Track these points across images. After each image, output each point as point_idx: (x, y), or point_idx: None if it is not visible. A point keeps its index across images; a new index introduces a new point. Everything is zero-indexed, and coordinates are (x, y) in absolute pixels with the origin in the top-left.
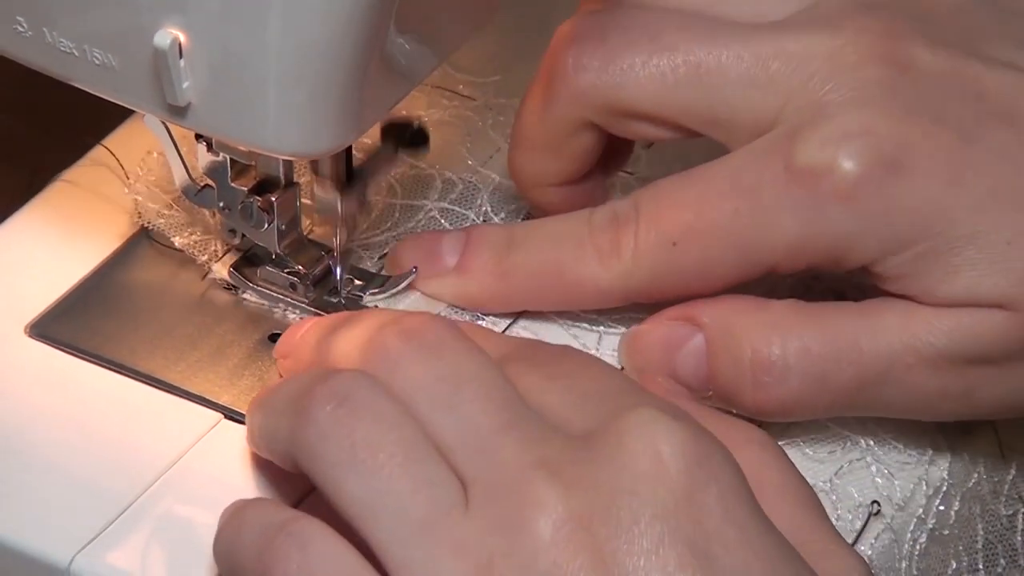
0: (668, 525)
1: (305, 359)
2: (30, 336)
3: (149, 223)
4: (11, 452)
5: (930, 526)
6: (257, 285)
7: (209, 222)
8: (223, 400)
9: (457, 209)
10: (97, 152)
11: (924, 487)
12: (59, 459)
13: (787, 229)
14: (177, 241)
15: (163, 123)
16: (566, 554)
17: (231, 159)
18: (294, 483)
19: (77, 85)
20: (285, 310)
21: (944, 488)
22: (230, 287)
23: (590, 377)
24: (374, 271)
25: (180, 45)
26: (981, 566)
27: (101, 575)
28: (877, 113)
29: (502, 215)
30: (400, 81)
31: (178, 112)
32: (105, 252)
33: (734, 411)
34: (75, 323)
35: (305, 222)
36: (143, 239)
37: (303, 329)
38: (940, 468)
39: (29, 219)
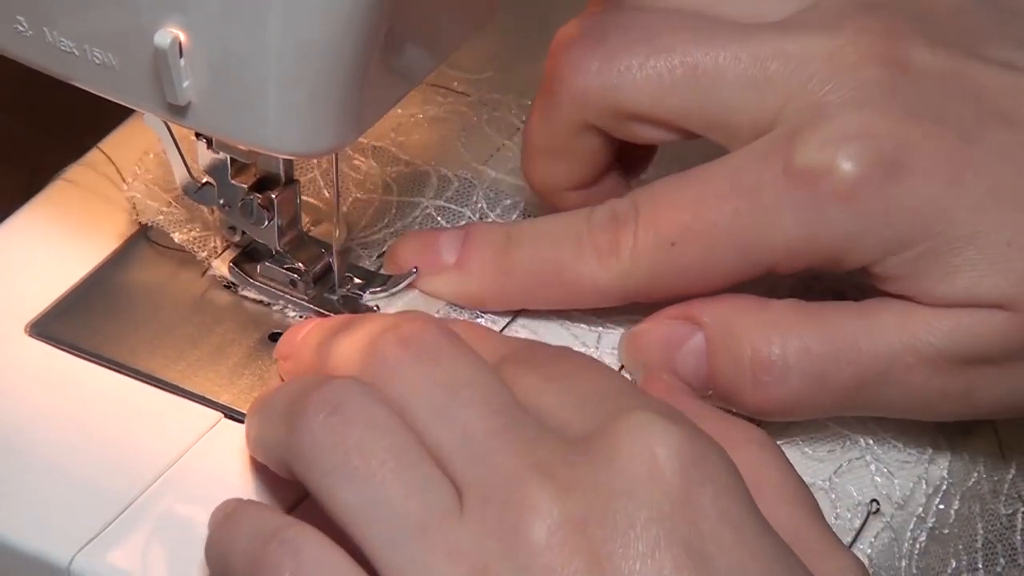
0: (664, 528)
1: (306, 362)
2: (30, 335)
3: (149, 220)
4: (11, 451)
5: (930, 525)
6: (257, 282)
7: (208, 219)
8: (223, 399)
9: (453, 207)
10: (97, 152)
11: (924, 486)
12: (59, 458)
13: (786, 230)
14: (177, 237)
15: (163, 122)
16: (561, 558)
17: (231, 157)
18: (294, 483)
19: (77, 84)
20: (284, 308)
21: (944, 487)
22: (230, 284)
23: (588, 379)
24: (374, 270)
25: (180, 44)
26: (980, 565)
27: (101, 574)
28: (876, 114)
29: (497, 211)
30: (400, 81)
31: (178, 111)
32: (105, 251)
33: (734, 410)
34: (75, 322)
35: (304, 219)
36: (143, 239)
37: (304, 331)
38: (940, 467)
39: (29, 218)
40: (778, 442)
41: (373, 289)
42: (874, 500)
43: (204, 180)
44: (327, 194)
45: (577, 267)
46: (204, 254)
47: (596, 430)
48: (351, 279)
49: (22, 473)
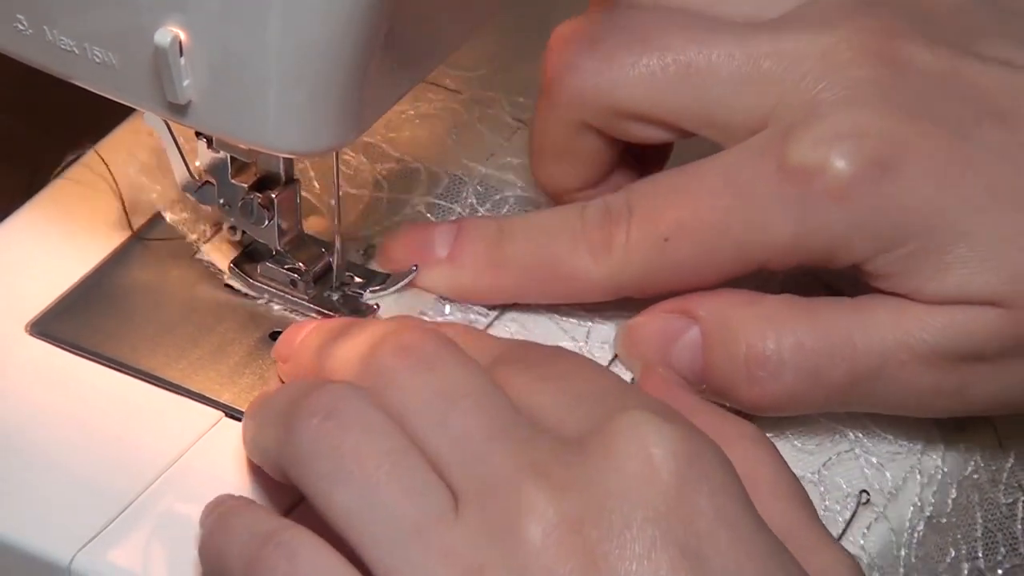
0: (660, 528)
1: (305, 365)
2: (31, 334)
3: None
4: (12, 450)
5: (928, 514)
6: (257, 281)
7: (200, 207)
8: (224, 398)
9: (443, 203)
10: (97, 151)
11: (918, 476)
12: (60, 457)
13: (779, 228)
14: (168, 216)
15: (163, 121)
16: (557, 559)
17: (231, 156)
18: (293, 484)
19: (77, 83)
20: (285, 308)
21: (940, 476)
22: (217, 270)
23: (582, 378)
24: (375, 269)
25: (180, 43)
26: (980, 554)
27: (102, 573)
28: (870, 112)
29: (487, 206)
30: (400, 80)
31: (178, 110)
32: (106, 250)
33: (728, 405)
34: (76, 321)
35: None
36: (144, 237)
37: (302, 333)
38: (934, 458)
39: (30, 218)
40: (768, 435)
41: (373, 288)
42: (864, 491)
43: (204, 180)
44: (317, 186)
45: (570, 262)
46: (194, 236)
47: (591, 430)
48: (351, 278)
49: (23, 472)
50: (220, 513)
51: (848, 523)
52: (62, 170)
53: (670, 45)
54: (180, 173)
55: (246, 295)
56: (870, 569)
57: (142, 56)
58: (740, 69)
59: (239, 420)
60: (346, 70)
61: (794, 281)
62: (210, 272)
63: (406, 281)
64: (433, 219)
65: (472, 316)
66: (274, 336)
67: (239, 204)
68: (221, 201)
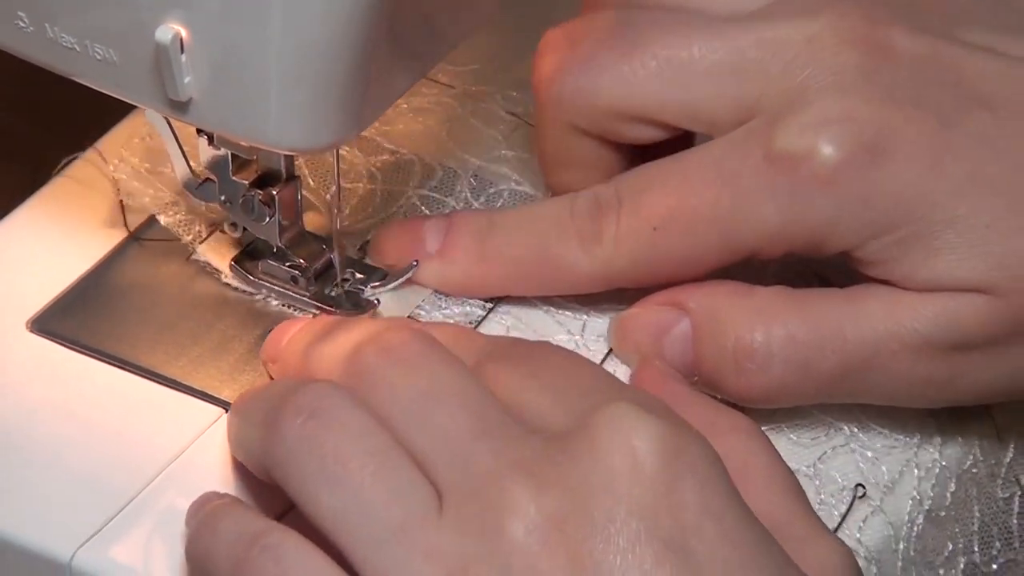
0: (644, 522)
1: (291, 366)
2: (32, 331)
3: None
4: (13, 447)
5: (927, 508)
6: (258, 279)
7: (193, 203)
8: (224, 395)
9: (437, 196)
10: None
11: (916, 470)
12: (60, 454)
13: (768, 215)
14: (162, 219)
15: (164, 118)
16: (541, 556)
17: (232, 153)
18: None
19: (78, 80)
20: (285, 304)
21: (937, 470)
22: (214, 270)
23: (569, 374)
24: (375, 265)
25: (181, 40)
26: (976, 548)
27: (103, 570)
28: (856, 98)
29: (482, 200)
30: (400, 77)
31: (179, 107)
32: (107, 248)
33: (719, 397)
34: (77, 318)
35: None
36: (144, 235)
37: (289, 334)
38: (931, 451)
39: (31, 215)
40: (763, 428)
41: (374, 284)
42: (859, 485)
43: (205, 177)
44: (312, 182)
45: (560, 253)
46: (189, 238)
47: (576, 426)
48: (352, 274)
49: (23, 469)
50: (206, 513)
51: (844, 517)
52: (61, 169)
53: (652, 42)
54: (181, 170)
55: (247, 292)
56: (867, 563)
57: (143, 53)
58: (724, 61)
59: None
60: (347, 67)
61: (787, 273)
62: (223, 279)
63: (406, 276)
64: (427, 212)
65: (467, 309)
66: None
67: (240, 201)
68: (222, 198)
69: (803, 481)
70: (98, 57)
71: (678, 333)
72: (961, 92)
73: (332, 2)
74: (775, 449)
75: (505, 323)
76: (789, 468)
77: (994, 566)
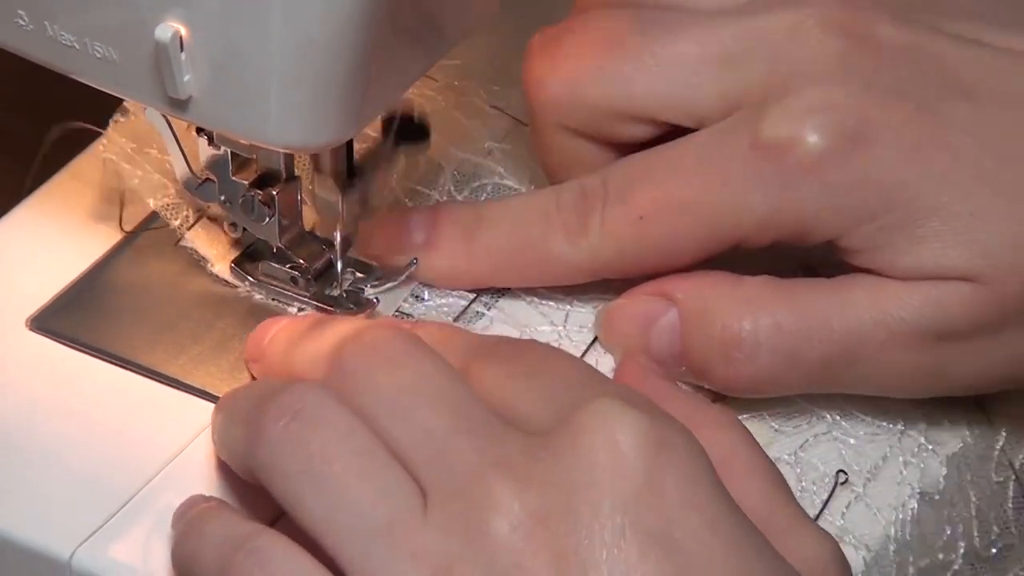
0: (628, 515)
1: (273, 366)
2: (31, 330)
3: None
4: (12, 446)
5: (918, 491)
6: (258, 280)
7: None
8: (224, 394)
9: (421, 189)
10: (97, 147)
11: (900, 455)
12: (60, 453)
13: (753, 203)
14: (151, 203)
15: (164, 116)
16: (526, 553)
17: (232, 152)
18: None
19: (78, 78)
20: (285, 304)
21: (925, 454)
22: (200, 257)
23: (553, 371)
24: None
25: (181, 39)
26: (976, 533)
27: (102, 569)
28: (840, 87)
29: (465, 193)
30: (400, 76)
31: (179, 105)
32: (106, 246)
33: (706, 387)
34: (76, 317)
35: (306, 215)
36: (144, 233)
37: (270, 333)
38: (915, 436)
39: (30, 213)
40: (744, 416)
41: (373, 283)
42: (841, 471)
43: (205, 176)
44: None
45: (546, 245)
46: (176, 223)
47: (559, 422)
48: (352, 273)
49: (23, 468)
50: (192, 517)
51: (825, 503)
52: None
53: (637, 40)
54: (181, 170)
55: (247, 291)
56: (855, 549)
57: (143, 51)
58: (709, 54)
59: None
60: (347, 66)
61: (775, 263)
62: (211, 269)
63: (406, 275)
64: (411, 204)
65: (451, 300)
66: None
67: (240, 201)
68: (222, 198)
69: (784, 469)
70: (98, 55)
71: (665, 323)
72: (944, 82)
73: (332, 1)
74: (756, 442)
75: (488, 314)
76: (771, 460)
77: (993, 551)
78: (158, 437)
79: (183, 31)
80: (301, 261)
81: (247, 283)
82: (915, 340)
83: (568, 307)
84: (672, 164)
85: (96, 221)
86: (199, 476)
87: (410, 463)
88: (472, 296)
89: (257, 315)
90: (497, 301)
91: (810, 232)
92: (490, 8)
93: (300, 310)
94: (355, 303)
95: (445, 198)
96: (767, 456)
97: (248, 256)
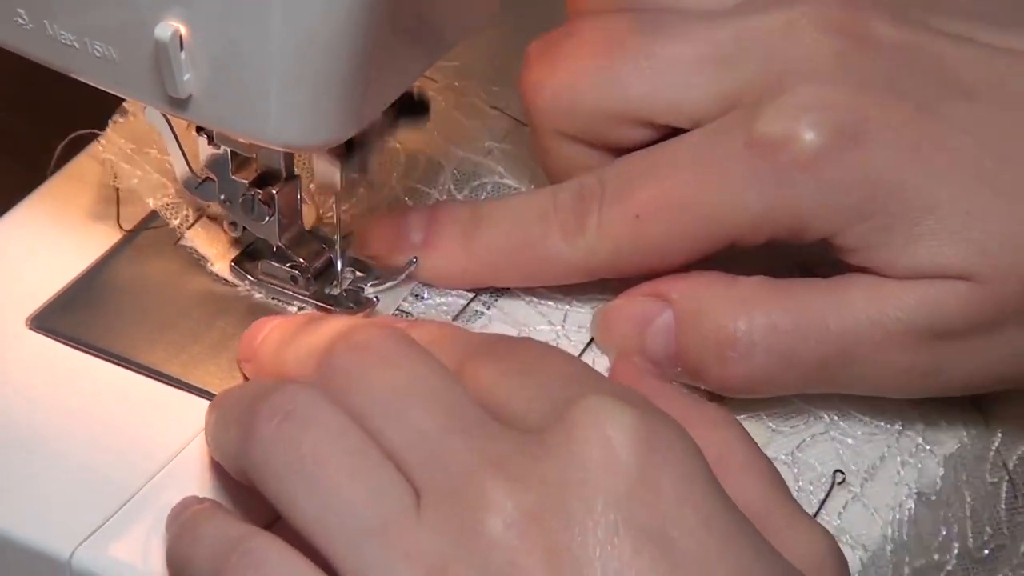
0: (622, 513)
1: (265, 366)
2: (31, 329)
3: (122, 184)
4: (12, 445)
5: (915, 492)
6: (258, 279)
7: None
8: (217, 394)
9: (421, 188)
10: (97, 146)
11: (898, 455)
12: (60, 451)
13: (749, 201)
14: (151, 203)
15: (164, 116)
16: (520, 551)
17: (232, 152)
18: None
19: (78, 77)
20: (285, 303)
21: (922, 454)
22: (200, 256)
23: (548, 369)
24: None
25: (181, 37)
26: (970, 533)
27: (103, 567)
28: (836, 85)
29: (465, 192)
30: (400, 75)
31: (179, 104)
32: (106, 245)
33: (702, 387)
34: (76, 316)
35: (306, 214)
36: (144, 232)
37: (262, 333)
38: (913, 436)
39: (30, 213)
40: (741, 417)
41: (373, 282)
42: (838, 471)
43: (205, 176)
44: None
45: (544, 244)
46: (176, 222)
47: (553, 420)
48: (352, 272)
49: (23, 466)
50: (186, 519)
51: (822, 503)
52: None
53: (630, 44)
54: (181, 169)
55: (246, 290)
56: (852, 549)
57: (143, 50)
58: (703, 55)
59: None
60: (346, 65)
61: (770, 264)
62: (210, 268)
63: (406, 274)
64: (410, 203)
65: (449, 300)
66: None
67: (240, 200)
68: (222, 197)
69: (782, 469)
70: (97, 54)
71: (661, 324)
72: (943, 81)
73: (332, 0)
74: (752, 439)
75: (487, 313)
76: (767, 457)
77: (985, 551)
78: (158, 436)
79: (183, 30)
80: (301, 260)
81: (247, 282)
82: (911, 339)
83: (567, 307)
84: (668, 163)
85: (96, 220)
86: (199, 475)
87: (403, 463)
88: (471, 295)
89: (257, 314)
90: (496, 300)
91: (806, 230)
92: (490, 8)
93: (300, 309)
94: (355, 302)
95: (445, 197)
96: (763, 454)
97: (248, 255)
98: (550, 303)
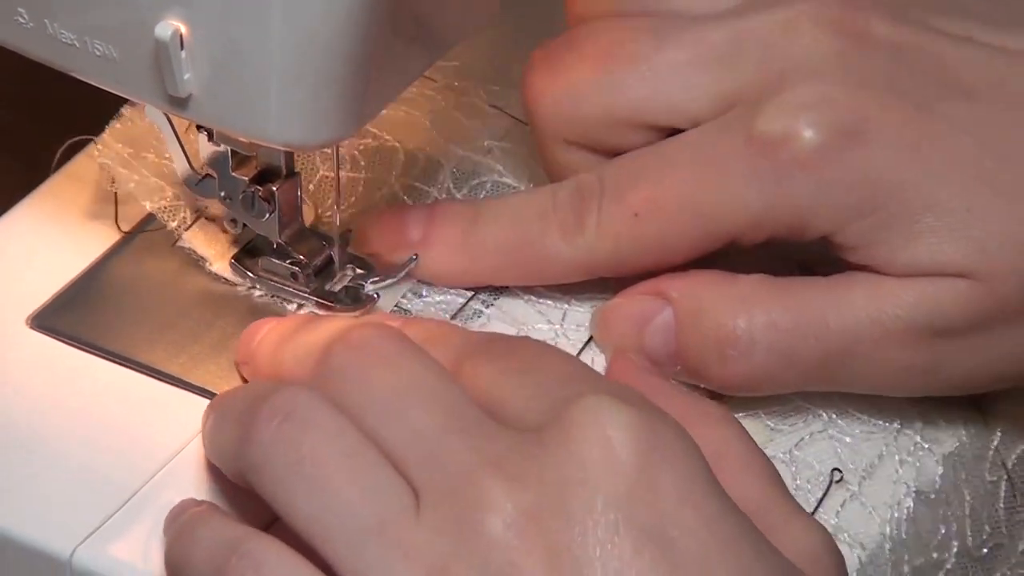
0: (622, 512)
1: (262, 368)
2: (32, 328)
3: (119, 188)
4: (12, 444)
5: (914, 490)
6: (259, 276)
7: (180, 189)
8: (215, 396)
9: (420, 186)
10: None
11: (896, 454)
12: (61, 451)
13: (749, 199)
14: (148, 205)
15: (164, 114)
16: (520, 551)
17: (232, 149)
18: None
19: (78, 77)
20: (285, 301)
21: (921, 452)
22: (199, 257)
23: (546, 368)
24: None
25: (181, 37)
26: (969, 532)
27: (103, 567)
28: (835, 83)
29: (464, 191)
30: (400, 75)
31: (179, 103)
32: (106, 244)
33: (702, 386)
34: (77, 315)
35: (306, 212)
36: (144, 231)
37: (259, 335)
38: (912, 435)
39: (31, 211)
40: (740, 415)
41: (374, 279)
42: (836, 469)
43: (205, 173)
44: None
45: (543, 243)
46: (174, 224)
47: (552, 419)
48: (352, 270)
49: (23, 466)
50: (184, 522)
51: (820, 501)
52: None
53: (631, 48)
54: (181, 167)
55: (247, 290)
56: (850, 547)
57: (143, 49)
58: (702, 56)
59: None
60: (347, 65)
61: (770, 263)
62: (209, 268)
63: (406, 272)
64: (409, 201)
65: (448, 298)
66: None
67: (240, 197)
68: (222, 194)
69: (779, 467)
70: (98, 53)
71: (660, 322)
72: (941, 80)
73: (332, 0)
74: (750, 436)
75: (486, 312)
76: (765, 455)
77: (984, 550)
78: (158, 435)
79: (183, 29)
80: (301, 257)
81: (247, 279)
82: (911, 337)
83: (566, 306)
84: (667, 161)
85: (97, 220)
86: (199, 474)
87: (402, 463)
88: (470, 294)
89: (257, 314)
90: (495, 299)
91: (805, 228)
92: (490, 8)
93: (299, 306)
94: (355, 299)
95: (444, 195)
96: (761, 451)
97: (248, 252)
98: (548, 302)
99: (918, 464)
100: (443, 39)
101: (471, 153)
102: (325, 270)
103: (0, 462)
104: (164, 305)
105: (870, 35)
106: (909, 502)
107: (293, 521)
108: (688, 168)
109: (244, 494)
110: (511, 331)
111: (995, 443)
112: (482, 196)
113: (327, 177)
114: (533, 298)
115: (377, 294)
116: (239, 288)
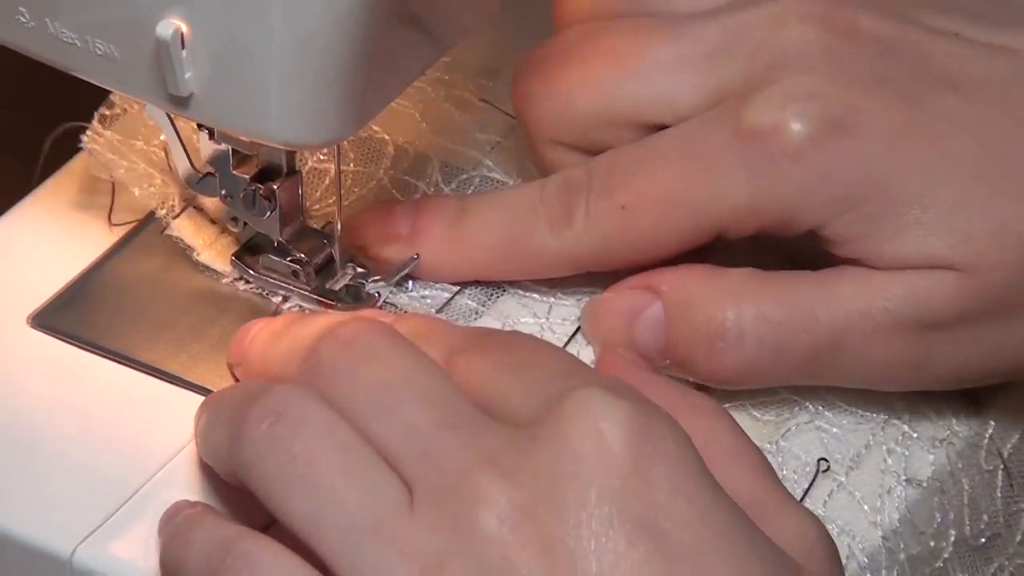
0: (615, 505)
1: (254, 368)
2: (32, 327)
3: (105, 173)
4: (13, 443)
5: (904, 479)
6: (259, 274)
7: (170, 176)
8: (207, 396)
9: (408, 179)
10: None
11: (884, 443)
12: (61, 450)
13: (736, 191)
14: (137, 192)
15: (165, 113)
16: (514, 546)
17: (233, 148)
18: None
19: (79, 76)
20: (286, 300)
21: (909, 442)
22: (186, 246)
23: (538, 363)
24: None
25: (182, 36)
26: (968, 521)
27: (103, 566)
28: (822, 76)
29: (453, 185)
30: (400, 74)
31: (180, 102)
32: (107, 243)
33: (691, 379)
34: (77, 314)
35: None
36: (145, 230)
37: (250, 335)
38: (899, 424)
39: (32, 210)
40: (726, 406)
41: (374, 278)
42: (822, 459)
43: (206, 171)
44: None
45: (530, 237)
46: (163, 212)
47: (544, 413)
48: (353, 268)
49: (24, 465)
50: (178, 523)
51: (806, 491)
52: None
53: (620, 49)
54: (182, 165)
55: (247, 289)
56: (840, 536)
57: (144, 49)
58: (690, 53)
59: None
60: (347, 64)
61: (760, 257)
62: (196, 257)
63: (407, 270)
64: (398, 195)
65: (434, 292)
66: None
67: (241, 195)
68: (223, 192)
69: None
70: (99, 52)
71: (650, 316)
72: (928, 73)
73: None
74: (740, 427)
75: (470, 306)
76: (756, 446)
77: (982, 540)
78: (159, 434)
79: (184, 28)
80: (302, 255)
81: (248, 276)
82: (900, 331)
83: (552, 299)
84: (655, 154)
85: (97, 219)
86: (200, 473)
87: (394, 460)
88: (456, 288)
89: (258, 313)
90: (480, 294)
91: (794, 220)
92: (490, 8)
93: (299, 306)
94: (356, 298)
95: (433, 190)
96: (751, 441)
97: (249, 250)
98: (534, 295)
99: (907, 453)
100: (443, 38)
101: (460, 147)
102: (326, 268)
103: (0, 461)
104: (164, 304)
105: (857, 30)
106: (899, 491)
107: (287, 520)
108: (676, 161)
109: (245, 493)
110: (497, 325)
111: (989, 432)
112: (470, 191)
113: (315, 169)
114: (519, 292)
115: (378, 292)
116: (240, 287)
